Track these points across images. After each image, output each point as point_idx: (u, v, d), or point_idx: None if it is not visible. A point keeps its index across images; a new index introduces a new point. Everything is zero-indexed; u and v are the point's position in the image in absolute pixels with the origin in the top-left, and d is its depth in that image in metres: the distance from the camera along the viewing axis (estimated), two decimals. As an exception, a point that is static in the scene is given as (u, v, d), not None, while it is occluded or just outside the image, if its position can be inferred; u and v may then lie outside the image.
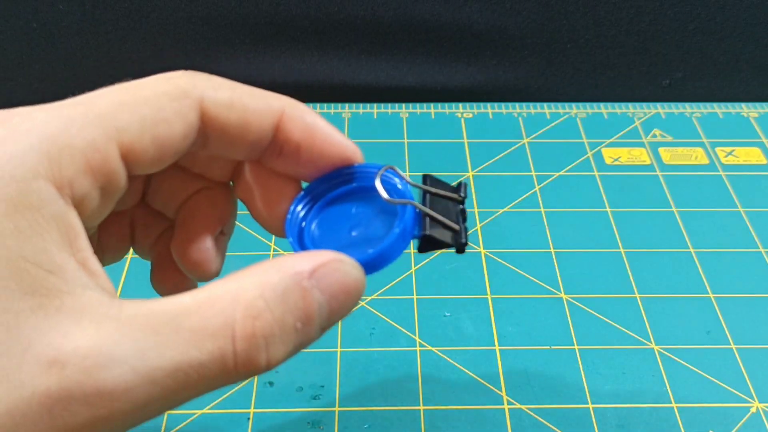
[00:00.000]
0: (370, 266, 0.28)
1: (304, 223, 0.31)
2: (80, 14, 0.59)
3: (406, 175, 0.30)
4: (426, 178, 0.31)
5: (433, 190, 0.30)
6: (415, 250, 0.30)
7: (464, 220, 0.30)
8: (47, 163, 0.24)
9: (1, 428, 0.22)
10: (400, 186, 0.30)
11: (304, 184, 0.31)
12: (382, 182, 0.30)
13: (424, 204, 0.30)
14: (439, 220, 0.29)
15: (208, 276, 0.31)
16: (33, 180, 0.24)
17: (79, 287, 0.24)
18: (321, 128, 0.30)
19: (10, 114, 0.25)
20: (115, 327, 0.23)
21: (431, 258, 0.47)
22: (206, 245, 0.31)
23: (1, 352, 0.22)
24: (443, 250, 0.30)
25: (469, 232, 0.30)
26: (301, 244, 0.30)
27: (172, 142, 0.27)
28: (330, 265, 0.26)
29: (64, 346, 0.23)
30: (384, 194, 0.29)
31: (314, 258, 0.26)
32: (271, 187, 0.31)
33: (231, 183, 0.32)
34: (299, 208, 0.31)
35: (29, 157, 0.24)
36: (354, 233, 0.30)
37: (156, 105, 0.26)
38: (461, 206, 0.31)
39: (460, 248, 0.29)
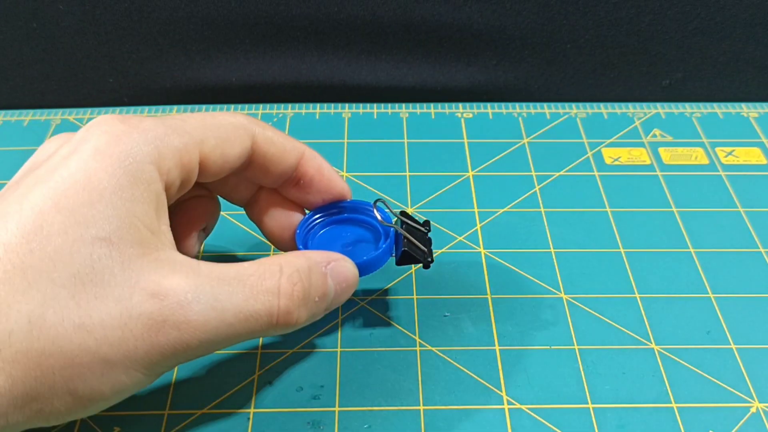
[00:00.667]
0: (362, 269, 0.39)
1: (308, 239, 0.42)
2: (80, 14, 0.59)
3: (391, 208, 0.43)
4: (402, 213, 0.42)
5: (408, 222, 0.42)
6: (395, 264, 0.41)
7: (430, 245, 0.42)
8: (156, 154, 0.34)
9: (115, 336, 0.31)
10: (387, 212, 0.42)
11: (307, 211, 0.43)
12: (371, 211, 0.42)
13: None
14: (414, 242, 0.41)
15: None
16: (147, 163, 0.33)
17: (168, 247, 0.34)
18: (328, 168, 0.41)
19: (126, 116, 0.35)
20: (197, 277, 0.32)
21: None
22: (192, 240, 0.41)
23: (118, 283, 0.31)
24: (414, 267, 0.43)
25: (434, 253, 0.42)
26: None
27: (231, 159, 0.37)
28: (339, 261, 0.38)
29: (163, 285, 0.32)
30: (378, 217, 0.42)
31: (329, 255, 0.38)
32: (280, 212, 0.42)
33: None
34: (305, 227, 0.42)
35: (145, 147, 0.34)
36: (347, 248, 0.42)
37: (226, 130, 0.37)
38: (428, 236, 0.42)
39: (427, 265, 0.41)
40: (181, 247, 0.39)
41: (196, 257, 0.37)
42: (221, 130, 0.37)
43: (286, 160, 0.40)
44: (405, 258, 0.41)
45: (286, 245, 0.42)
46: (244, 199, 0.42)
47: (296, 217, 0.42)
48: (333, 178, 0.42)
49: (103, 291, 0.31)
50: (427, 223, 0.43)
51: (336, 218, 0.43)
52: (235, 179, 0.41)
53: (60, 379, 0.30)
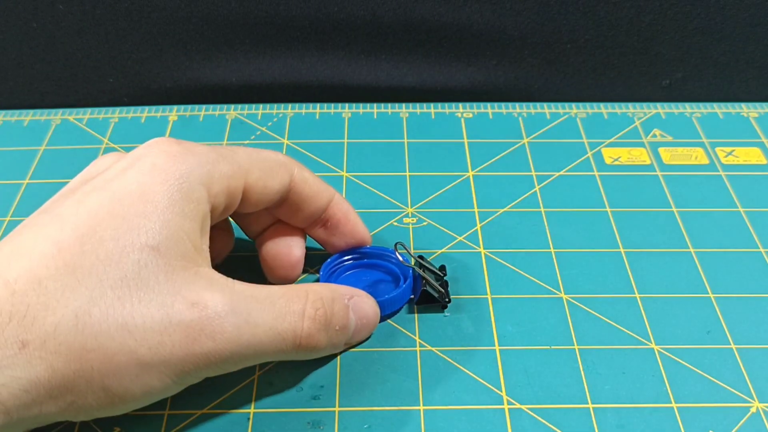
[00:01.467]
0: (384, 306, 0.42)
1: (331, 280, 0.45)
2: (80, 14, 0.59)
3: (410, 251, 0.45)
4: (420, 257, 0.45)
5: (426, 265, 0.45)
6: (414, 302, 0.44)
7: (447, 287, 0.44)
8: (207, 177, 0.37)
9: (154, 340, 0.32)
10: (406, 254, 0.45)
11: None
12: (391, 253, 0.45)
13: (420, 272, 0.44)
14: (431, 283, 0.44)
15: None
16: (199, 184, 0.36)
17: (207, 264, 0.37)
18: (354, 214, 0.44)
19: (182, 141, 0.38)
20: (232, 294, 0.35)
21: (430, 260, 0.47)
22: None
23: (162, 290, 0.33)
24: (431, 305, 0.44)
25: (431, 264, 0.46)
26: None
27: (271, 192, 0.40)
28: (362, 297, 0.40)
29: (202, 296, 0.34)
30: (400, 258, 0.45)
31: (353, 290, 0.40)
32: (283, 243, 0.44)
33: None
34: (329, 269, 0.45)
35: (198, 169, 0.36)
36: (368, 289, 0.43)
37: (269, 164, 0.40)
38: (444, 279, 0.45)
39: (445, 305, 0.44)
40: None
41: None
42: (265, 164, 0.40)
43: (318, 201, 0.42)
44: (424, 297, 0.44)
45: (278, 275, 0.44)
46: (259, 231, 0.44)
47: (295, 251, 0.44)
48: (358, 224, 0.44)
49: (147, 296, 0.33)
50: (443, 268, 0.46)
51: (358, 263, 0.46)
52: (263, 212, 0.43)
53: (97, 374, 0.32)
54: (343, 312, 0.38)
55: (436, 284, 0.44)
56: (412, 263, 0.45)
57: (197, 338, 0.33)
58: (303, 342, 0.36)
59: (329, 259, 0.45)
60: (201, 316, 0.33)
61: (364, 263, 0.46)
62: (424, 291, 0.44)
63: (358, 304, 0.40)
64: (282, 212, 0.43)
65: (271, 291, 0.36)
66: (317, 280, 0.45)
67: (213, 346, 0.33)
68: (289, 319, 0.35)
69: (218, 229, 0.42)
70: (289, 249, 0.43)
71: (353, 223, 0.44)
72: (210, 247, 0.39)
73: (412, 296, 0.44)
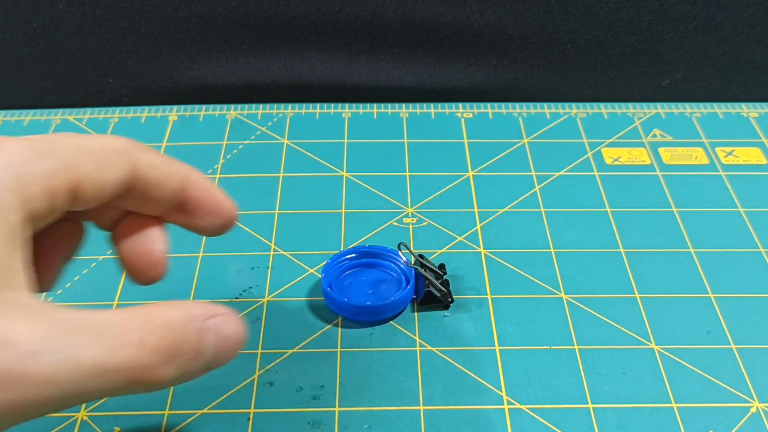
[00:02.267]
0: (388, 308, 0.43)
1: (332, 280, 0.45)
2: (80, 14, 0.59)
3: (412, 251, 0.46)
4: (420, 256, 0.46)
5: (426, 264, 0.45)
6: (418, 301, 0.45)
7: (448, 286, 0.45)
8: (16, 180, 0.29)
9: None
10: (408, 254, 0.45)
11: (329, 256, 0.46)
12: (393, 253, 0.46)
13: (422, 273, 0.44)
14: (434, 284, 0.44)
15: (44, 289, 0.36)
16: (3, 191, 0.29)
17: (20, 287, 0.29)
18: (216, 190, 0.37)
19: None
20: (50, 325, 0.27)
21: (430, 260, 0.47)
22: (52, 270, 0.36)
23: None
24: (434, 306, 0.44)
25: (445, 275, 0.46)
26: (334, 291, 0.44)
27: (109, 186, 0.33)
28: (225, 317, 0.32)
29: (10, 330, 0.27)
30: (404, 259, 0.45)
31: (214, 309, 0.32)
32: (141, 239, 0.37)
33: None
34: (330, 269, 0.45)
35: (4, 172, 0.29)
36: (370, 290, 0.45)
37: (104, 155, 0.33)
38: (444, 278, 0.45)
39: (447, 305, 0.44)
40: (39, 277, 0.35)
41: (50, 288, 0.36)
42: (99, 155, 0.33)
43: (170, 185, 0.36)
44: (427, 298, 0.44)
45: (141, 275, 0.37)
46: (111, 223, 0.37)
47: (156, 246, 0.37)
48: (222, 201, 0.37)
49: None
50: (442, 267, 0.46)
51: (359, 262, 0.46)
52: (108, 205, 0.36)
53: None
54: (195, 338, 0.31)
55: (437, 284, 0.44)
56: (413, 263, 0.45)
57: (2, 384, 0.26)
58: (141, 377, 0.29)
59: (330, 260, 0.45)
60: (7, 357, 0.26)
61: (364, 263, 0.46)
62: (427, 291, 0.44)
63: (218, 324, 0.32)
64: (130, 203, 0.36)
65: (105, 317, 0.29)
66: (320, 281, 0.46)
67: (23, 393, 0.26)
68: (122, 351, 0.28)
69: (61, 222, 0.35)
70: (148, 244, 0.37)
71: (216, 201, 0.37)
72: (54, 246, 0.35)
73: (414, 296, 0.45)
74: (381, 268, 0.46)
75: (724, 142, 0.56)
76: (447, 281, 0.45)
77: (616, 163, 0.54)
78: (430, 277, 0.44)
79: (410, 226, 0.49)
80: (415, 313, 0.44)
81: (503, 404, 0.39)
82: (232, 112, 0.59)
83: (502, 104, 0.60)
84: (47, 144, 0.31)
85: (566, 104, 0.60)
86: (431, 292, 0.44)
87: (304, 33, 0.61)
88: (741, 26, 0.60)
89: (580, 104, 0.60)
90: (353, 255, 0.46)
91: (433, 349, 0.42)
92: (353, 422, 0.39)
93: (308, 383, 0.41)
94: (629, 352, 0.42)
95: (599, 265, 0.47)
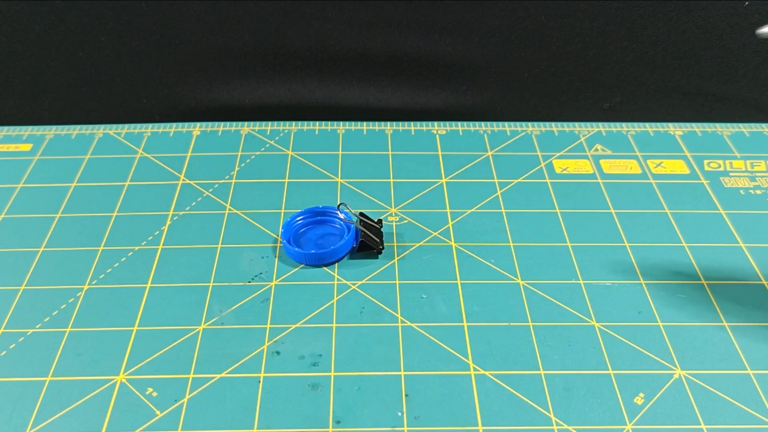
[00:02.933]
0: (331, 254, 0.45)
1: (290, 235, 0.47)
2: (119, 45, 0.59)
3: (353, 210, 0.48)
4: (361, 214, 0.47)
5: (366, 220, 0.47)
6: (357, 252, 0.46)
7: (382, 237, 0.46)
8: None
9: None
10: (349, 212, 0.48)
11: (296, 211, 0.49)
12: (338, 211, 0.48)
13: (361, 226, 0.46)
14: (369, 234, 0.46)
15: None
16: None
17: None
18: None
19: None
20: None
21: (410, 251, 0.47)
22: None
23: None
24: (368, 253, 0.46)
25: (383, 242, 0.47)
26: (291, 243, 0.46)
27: None
28: None
29: None
30: (342, 216, 0.47)
31: None
32: None
33: None
34: (290, 226, 0.47)
35: None
36: (319, 241, 0.47)
37: None
38: (380, 230, 0.47)
39: (379, 251, 0.46)
40: None
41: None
42: None
43: None
44: (363, 246, 0.46)
45: None
46: None
47: None
48: None
49: None
50: (379, 221, 0.48)
51: (311, 220, 0.49)
52: None
53: None
54: None
55: (372, 235, 0.46)
56: (355, 220, 0.47)
57: None
58: None
59: (286, 222, 0.47)
60: None
61: (316, 220, 0.49)
62: (362, 241, 0.46)
63: None
64: None
65: None
66: (277, 241, 0.47)
67: None
68: None
69: None
70: None
71: None
72: None
73: (355, 245, 0.46)
74: (329, 224, 0.48)
75: (654, 155, 0.56)
76: (381, 233, 0.47)
77: (565, 172, 0.54)
78: (365, 230, 0.46)
79: (394, 223, 0.49)
80: (397, 295, 0.44)
81: (470, 370, 0.40)
82: (246, 128, 0.59)
83: (471, 123, 0.60)
84: None
85: (524, 123, 0.60)
86: (365, 242, 0.46)
87: (306, 63, 0.61)
88: (670, 59, 0.61)
89: (535, 123, 0.60)
90: (305, 216, 0.48)
91: (413, 324, 0.42)
92: (346, 385, 0.39)
93: (309, 352, 0.41)
94: (574, 328, 0.42)
95: (550, 256, 0.47)
